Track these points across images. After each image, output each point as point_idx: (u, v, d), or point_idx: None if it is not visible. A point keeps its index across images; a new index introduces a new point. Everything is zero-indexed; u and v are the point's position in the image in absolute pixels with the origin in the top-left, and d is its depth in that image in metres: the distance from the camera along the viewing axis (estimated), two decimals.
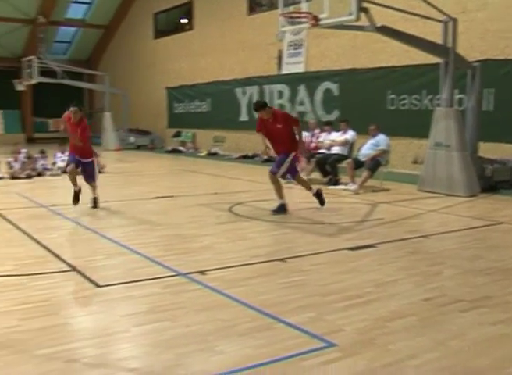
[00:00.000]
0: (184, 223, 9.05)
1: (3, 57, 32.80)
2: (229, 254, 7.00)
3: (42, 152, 16.27)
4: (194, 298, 5.32)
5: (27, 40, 32.51)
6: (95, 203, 10.28)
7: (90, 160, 10.49)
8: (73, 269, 6.27)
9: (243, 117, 22.89)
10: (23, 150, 16.16)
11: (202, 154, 23.49)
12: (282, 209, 9.73)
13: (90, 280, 5.83)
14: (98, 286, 5.68)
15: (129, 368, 3.97)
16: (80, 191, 10.15)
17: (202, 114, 25.72)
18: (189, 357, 4.09)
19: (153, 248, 7.22)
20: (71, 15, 32.75)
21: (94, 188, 10.39)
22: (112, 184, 13.90)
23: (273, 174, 9.80)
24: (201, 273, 6.07)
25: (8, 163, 15.23)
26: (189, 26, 27.36)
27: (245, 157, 20.77)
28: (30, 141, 32.34)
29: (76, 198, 10.09)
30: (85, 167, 10.42)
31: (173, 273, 6.07)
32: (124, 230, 8.37)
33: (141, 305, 5.15)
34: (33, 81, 27.32)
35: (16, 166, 15.14)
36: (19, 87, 28.61)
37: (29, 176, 14.86)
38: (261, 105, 10.01)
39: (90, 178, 10.40)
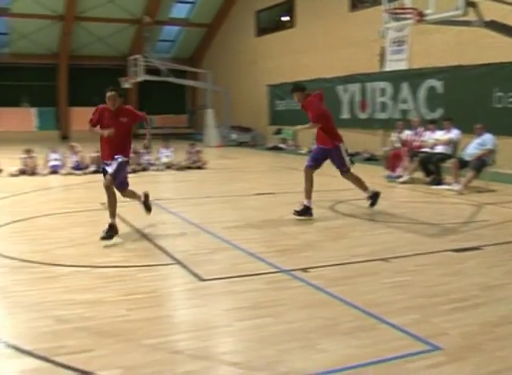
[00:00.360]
0: (285, 219, 9.06)
1: (110, 56, 33.93)
2: (330, 252, 6.96)
3: (146, 148, 16.69)
4: (296, 295, 5.34)
5: (133, 39, 33.47)
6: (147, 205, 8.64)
7: (122, 159, 7.88)
8: (178, 262, 6.41)
9: (345, 115, 22.71)
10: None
11: (303, 151, 23.44)
12: (375, 197, 9.57)
13: (194, 274, 5.95)
14: (202, 280, 5.79)
15: (231, 362, 4.04)
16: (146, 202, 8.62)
17: (303, 112, 25.64)
18: (290, 354, 4.10)
19: (255, 244, 7.28)
20: (175, 14, 33.49)
21: (132, 196, 8.49)
22: (214, 180, 14.15)
23: (309, 168, 9.52)
24: (303, 270, 6.08)
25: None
26: (290, 24, 27.39)
27: (348, 155, 20.50)
28: (135, 136, 33.20)
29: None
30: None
31: (275, 270, 6.10)
32: (226, 226, 8.46)
33: (244, 300, 5.21)
34: (139, 79, 28.11)
35: None
36: (125, 85, 29.51)
37: (134, 171, 15.28)
38: (292, 88, 9.85)
39: (122, 184, 8.06)
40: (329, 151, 9.43)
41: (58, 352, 4.12)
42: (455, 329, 4.52)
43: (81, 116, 33.42)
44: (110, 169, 7.67)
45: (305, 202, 9.19)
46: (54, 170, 15.46)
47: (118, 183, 7.84)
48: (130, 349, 4.21)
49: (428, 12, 10.85)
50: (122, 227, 8.28)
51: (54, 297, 5.31)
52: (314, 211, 9.22)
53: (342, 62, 23.15)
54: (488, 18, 10.88)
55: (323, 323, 4.66)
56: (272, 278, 5.84)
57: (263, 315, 4.84)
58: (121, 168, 7.76)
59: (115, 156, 7.74)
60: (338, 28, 23.43)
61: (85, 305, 5.07)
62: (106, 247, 7.18)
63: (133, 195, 8.36)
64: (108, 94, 7.87)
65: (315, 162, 9.49)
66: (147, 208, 8.53)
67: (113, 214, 7.64)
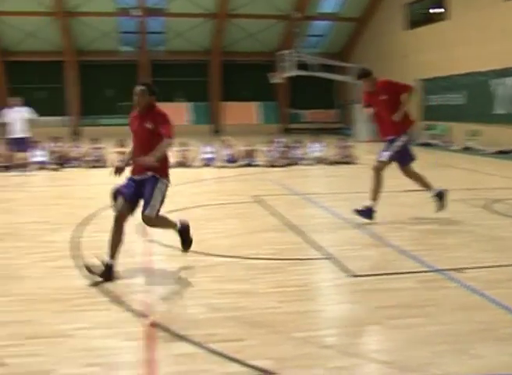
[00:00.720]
0: (439, 217, 8.76)
1: (260, 52, 34.50)
2: (485, 253, 6.68)
3: (297, 142, 16.90)
4: (450, 296, 5.19)
5: (283, 35, 33.82)
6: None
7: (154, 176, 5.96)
8: (329, 257, 6.42)
9: (501, 110, 21.73)
10: (280, 140, 16.91)
11: (456, 148, 22.69)
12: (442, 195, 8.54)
13: (346, 269, 5.93)
14: (353, 275, 5.76)
15: (382, 360, 3.99)
16: None
17: (457, 106, 24.84)
18: (443, 357, 3.99)
19: (406, 242, 7.14)
20: (324, 9, 33.47)
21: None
22: (364, 176, 13.93)
23: (380, 163, 8.39)
24: (457, 270, 5.88)
25: (267, 152, 16.02)
26: (442, 16, 26.56)
27: (502, 152, 19.64)
28: (286, 131, 33.65)
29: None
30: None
31: (428, 269, 5.95)
32: (377, 222, 8.32)
33: (395, 298, 5.13)
34: (290, 74, 28.39)
35: (274, 154, 15.86)
36: (275, 80, 29.90)
37: (285, 165, 15.48)
38: (363, 74, 8.43)
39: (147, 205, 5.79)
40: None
41: (211, 339, 4.26)
42: None
43: (233, 111, 34.46)
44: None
45: (434, 191, 8.58)
46: (207, 163, 15.98)
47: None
48: (280, 341, 4.27)
49: None
50: (272, 220, 8.43)
51: (207, 285, 5.50)
52: (468, 210, 8.89)
53: (497, 54, 22.14)
54: None
55: (477, 326, 4.49)
56: (424, 277, 5.71)
57: (415, 314, 4.74)
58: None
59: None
60: (492, 19, 22.42)
61: (237, 295, 5.21)
62: (258, 239, 7.33)
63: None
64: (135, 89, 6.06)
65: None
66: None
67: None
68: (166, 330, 4.46)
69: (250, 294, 5.25)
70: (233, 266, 6.15)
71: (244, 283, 5.55)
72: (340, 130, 32.66)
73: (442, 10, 26.73)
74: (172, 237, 6.78)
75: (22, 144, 15.08)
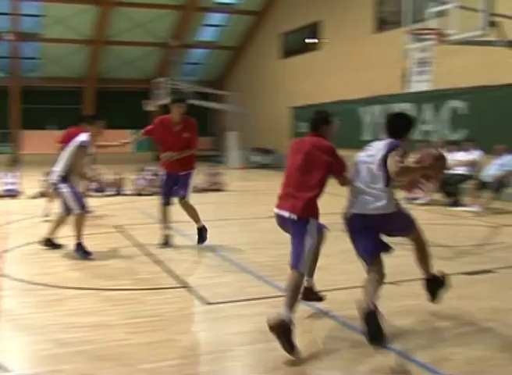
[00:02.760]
0: None
1: (137, 79, 34.28)
2: (341, 275, 6.88)
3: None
4: (301, 319, 5.25)
5: (160, 62, 33.81)
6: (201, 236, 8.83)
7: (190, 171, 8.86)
8: (185, 285, 6.39)
9: (367, 136, 22.62)
10: (150, 168, 16.77)
11: None
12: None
13: (200, 297, 5.92)
14: (208, 303, 5.75)
15: None
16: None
17: None
18: None
19: (265, 268, 7.22)
20: (202, 37, 33.80)
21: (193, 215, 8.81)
22: (232, 203, 14.14)
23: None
24: None
25: (136, 180, 15.83)
26: (315, 46, 27.47)
27: None
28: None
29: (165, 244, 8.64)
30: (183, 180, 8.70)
31: (282, 293, 6.02)
32: (238, 249, 8.42)
33: (249, 324, 5.17)
34: (163, 102, 28.36)
35: (143, 182, 15.70)
36: (148, 108, 29.78)
37: (153, 193, 15.31)
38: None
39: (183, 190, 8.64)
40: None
41: None
42: (461, 354, 4.44)
43: (105, 139, 33.84)
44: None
45: None
46: None
47: None
48: (127, 374, 4.18)
49: (450, 32, 10.84)
50: (132, 250, 8.31)
51: (57, 320, 5.31)
52: (330, 234, 9.07)
53: (365, 83, 23.10)
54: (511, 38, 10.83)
55: (325, 348, 4.61)
56: (278, 302, 5.74)
57: (266, 339, 4.76)
58: None
59: None
60: (362, 50, 23.43)
61: (88, 329, 5.06)
62: (115, 270, 7.19)
63: None
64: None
65: None
66: None
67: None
68: (9, 370, 4.26)
69: (102, 327, 5.11)
70: (88, 299, 5.99)
71: (97, 316, 5.40)
72: (214, 157, 32.88)
73: (316, 40, 27.64)
74: (24, 270, 6.55)
75: None
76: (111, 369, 4.27)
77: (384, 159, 4.93)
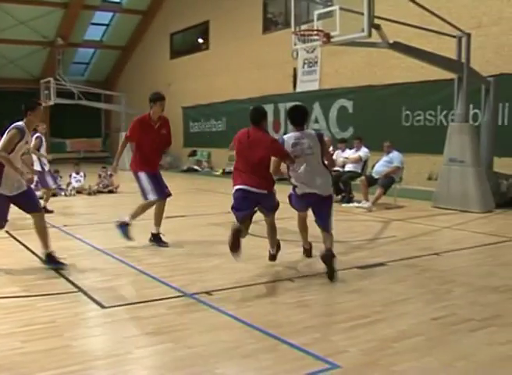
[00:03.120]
0: (195, 242, 9.01)
1: (22, 79, 33.21)
2: (238, 274, 6.93)
3: (56, 172, 16.33)
4: (199, 318, 5.27)
5: (46, 62, 32.89)
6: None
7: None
8: (80, 290, 6.24)
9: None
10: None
11: (218, 173, 23.49)
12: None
13: (96, 301, 5.81)
14: (103, 307, 5.65)
15: None
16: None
17: (218, 133, 25.78)
18: None
19: (161, 269, 7.18)
20: (89, 36, 33.13)
21: None
22: (125, 204, 13.85)
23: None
24: (208, 293, 6.02)
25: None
26: (205, 46, 27.53)
27: None
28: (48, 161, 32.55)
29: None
30: None
31: (180, 294, 6.02)
32: (133, 250, 8.33)
33: (146, 326, 5.11)
34: (51, 102, 27.59)
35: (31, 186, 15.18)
36: None
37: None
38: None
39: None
40: None
41: None
42: (355, 346, 4.56)
43: None
44: None
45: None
46: None
47: None
48: None
49: (334, 33, 11.13)
50: (24, 255, 8.05)
51: None
52: (224, 233, 9.13)
53: (255, 83, 23.39)
54: (392, 40, 11.25)
55: (224, 346, 4.61)
56: (175, 302, 5.76)
57: (165, 341, 4.75)
58: None
59: None
60: (251, 50, 23.70)
61: None
62: (5, 276, 6.93)
63: None
64: None
65: None
66: None
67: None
68: None
69: None
70: None
71: None
72: (106, 158, 32.33)
73: (201, 41, 27.73)
74: None
75: None
76: None
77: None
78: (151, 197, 8.60)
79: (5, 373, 4.18)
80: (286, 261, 7.59)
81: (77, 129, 34.96)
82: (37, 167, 11.89)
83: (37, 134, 12.06)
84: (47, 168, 12.62)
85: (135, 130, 8.77)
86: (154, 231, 8.89)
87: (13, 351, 4.57)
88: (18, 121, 7.13)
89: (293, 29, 12.06)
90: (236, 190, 7.00)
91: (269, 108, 22.29)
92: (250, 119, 7.18)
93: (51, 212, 11.84)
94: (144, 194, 8.69)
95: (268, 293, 6.12)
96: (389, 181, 12.55)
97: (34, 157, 12.12)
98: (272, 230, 7.30)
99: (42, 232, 7.26)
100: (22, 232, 9.32)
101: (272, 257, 7.42)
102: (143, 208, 8.70)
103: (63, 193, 15.79)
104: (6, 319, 5.34)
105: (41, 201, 10.39)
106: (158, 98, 8.86)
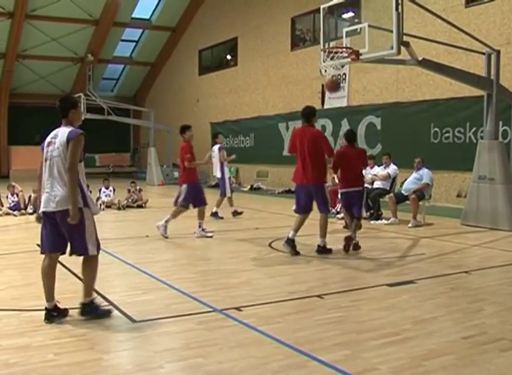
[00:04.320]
0: (224, 258, 9.06)
1: (53, 94, 33.65)
2: (267, 290, 6.95)
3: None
4: (229, 334, 5.29)
5: (76, 77, 33.36)
6: None
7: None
8: (111, 303, 6.30)
9: (287, 152, 22.90)
10: None
11: (245, 189, 23.55)
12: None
13: (127, 316, 5.85)
14: (134, 321, 5.70)
15: None
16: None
17: (245, 149, 25.85)
18: None
19: (191, 284, 7.21)
20: (119, 53, 33.55)
21: None
22: (154, 219, 13.98)
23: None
24: (237, 309, 6.04)
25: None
26: (233, 62, 27.71)
27: (288, 191, 20.69)
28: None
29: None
30: None
31: (209, 310, 6.04)
32: (163, 265, 8.39)
33: (176, 340, 5.14)
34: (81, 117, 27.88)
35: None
36: None
37: None
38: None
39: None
40: None
41: None
42: (385, 364, 4.53)
43: (21, 155, 33.07)
44: None
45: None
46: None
47: None
48: None
49: (363, 51, 11.14)
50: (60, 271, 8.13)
51: None
52: (252, 249, 9.24)
53: (283, 99, 23.49)
54: (421, 57, 11.25)
55: (254, 362, 4.62)
56: (205, 318, 5.78)
57: (195, 355, 4.77)
58: None
59: None
60: (279, 66, 23.82)
61: (11, 351, 4.91)
62: (39, 290, 7.00)
63: None
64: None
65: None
66: None
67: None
68: None
69: (26, 349, 4.97)
70: (10, 320, 5.81)
71: (20, 337, 5.24)
72: (134, 173, 32.61)
73: (229, 57, 27.92)
74: None
75: None
76: None
77: None
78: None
79: None
80: (316, 277, 7.59)
81: (106, 144, 35.34)
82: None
83: None
84: None
85: None
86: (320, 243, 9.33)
87: (46, 364, 4.63)
88: (56, 127, 6.01)
89: (321, 46, 12.09)
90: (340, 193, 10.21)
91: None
92: (345, 138, 10.23)
93: None
94: None
95: (298, 309, 6.11)
96: (418, 198, 12.50)
97: None
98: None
99: None
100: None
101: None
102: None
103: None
104: (38, 332, 5.40)
105: None
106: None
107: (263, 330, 5.35)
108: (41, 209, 5.78)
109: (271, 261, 8.80)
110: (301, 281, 7.41)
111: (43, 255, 5.88)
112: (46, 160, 5.85)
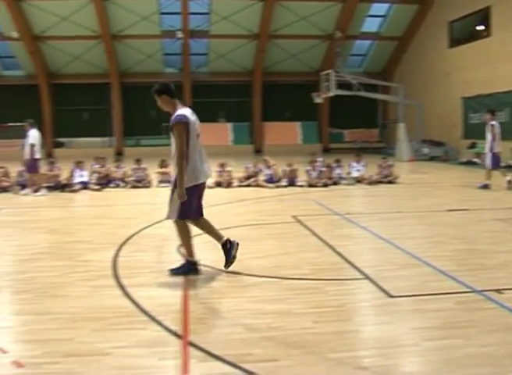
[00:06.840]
0: (480, 237, 8.68)
1: (302, 72, 34.67)
2: None
3: (337, 161, 16.82)
4: (489, 317, 5.09)
5: (325, 54, 33.92)
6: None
7: None
8: (366, 277, 6.37)
9: None
10: (320, 159, 16.90)
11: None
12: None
13: (383, 290, 5.88)
14: (390, 296, 5.71)
15: None
16: None
17: (500, 124, 24.49)
18: None
19: (446, 262, 7.03)
20: (366, 28, 33.49)
21: None
22: (405, 195, 13.89)
23: None
24: (497, 291, 5.78)
25: (307, 171, 15.99)
26: (486, 33, 26.34)
27: None
28: (326, 150, 33.68)
29: None
30: None
31: (467, 290, 5.86)
32: (417, 242, 8.27)
33: (433, 319, 5.07)
34: (331, 94, 28.38)
35: (314, 174, 15.82)
36: (318, 100, 29.94)
37: (325, 185, 15.42)
38: None
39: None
40: None
41: (246, 359, 4.27)
42: None
43: (273, 131, 34.61)
44: None
45: None
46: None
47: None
48: (316, 362, 4.25)
49: None
50: (311, 240, 8.41)
51: (243, 305, 5.50)
52: (509, 229, 8.75)
53: None
54: None
55: None
56: (463, 298, 5.62)
57: (453, 336, 4.67)
58: None
59: None
60: None
61: (273, 316, 5.19)
62: (296, 259, 7.30)
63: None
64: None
65: None
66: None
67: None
68: (201, 349, 4.47)
69: (287, 315, 5.22)
70: (270, 287, 6.13)
71: (281, 304, 5.52)
72: (382, 149, 32.51)
73: (483, 27, 26.56)
74: (209, 256, 6.85)
75: (28, 165, 15.03)
76: (299, 356, 4.35)
77: None
78: None
79: (297, 351, 4.44)
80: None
81: (354, 120, 35.67)
82: None
83: None
84: None
85: None
86: None
87: (305, 331, 4.83)
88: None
89: None
90: None
91: None
92: None
93: None
94: None
95: None
96: None
97: None
98: None
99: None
100: (308, 218, 9.76)
101: None
102: None
103: (344, 181, 16.19)
104: (298, 300, 5.65)
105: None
106: None
107: None
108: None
109: None
110: None
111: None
112: (198, 136, 6.52)
